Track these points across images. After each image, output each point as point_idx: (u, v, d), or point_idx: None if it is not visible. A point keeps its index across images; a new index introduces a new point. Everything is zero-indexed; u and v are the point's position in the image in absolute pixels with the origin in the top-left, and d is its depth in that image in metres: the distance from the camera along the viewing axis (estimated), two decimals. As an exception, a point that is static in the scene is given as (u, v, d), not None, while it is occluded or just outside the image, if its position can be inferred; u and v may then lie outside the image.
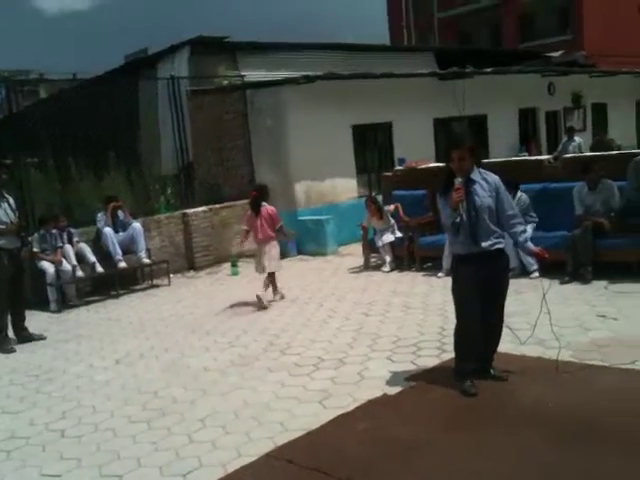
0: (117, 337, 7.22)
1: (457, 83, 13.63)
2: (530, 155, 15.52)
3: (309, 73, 12.52)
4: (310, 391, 4.98)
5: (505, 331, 5.49)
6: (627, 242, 7.25)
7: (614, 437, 3.76)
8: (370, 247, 9.62)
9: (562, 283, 7.42)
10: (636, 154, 7.60)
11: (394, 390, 4.82)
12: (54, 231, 9.07)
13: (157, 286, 9.94)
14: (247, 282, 9.60)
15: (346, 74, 12.06)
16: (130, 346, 6.77)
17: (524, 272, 7.88)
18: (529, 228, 7.85)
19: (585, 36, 24.14)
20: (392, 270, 9.19)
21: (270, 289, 8.15)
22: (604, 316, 6.06)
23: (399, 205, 9.61)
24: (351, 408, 4.56)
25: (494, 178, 4.70)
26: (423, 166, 10.01)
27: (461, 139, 4.72)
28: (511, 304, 6.66)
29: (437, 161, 12.77)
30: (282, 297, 8.23)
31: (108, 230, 9.46)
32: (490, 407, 4.41)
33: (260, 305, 7.78)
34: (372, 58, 15.80)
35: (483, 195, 4.60)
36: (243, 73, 13.90)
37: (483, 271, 4.57)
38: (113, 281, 9.48)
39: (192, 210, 10.99)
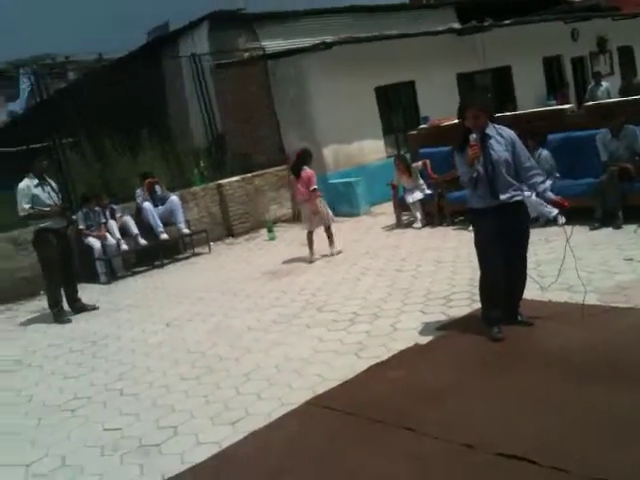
0: (164, 304, 7.65)
1: (477, 37, 13.57)
2: (559, 104, 15.44)
3: (328, 38, 12.64)
4: (346, 344, 5.30)
5: (535, 278, 5.75)
6: (652, 186, 7.35)
7: (633, 373, 3.99)
8: (401, 205, 9.85)
9: (592, 229, 7.57)
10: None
11: (426, 340, 5.11)
12: (97, 208, 9.53)
13: (199, 254, 10.36)
14: (284, 246, 9.98)
15: (363, 37, 12.14)
16: (177, 312, 7.19)
17: (552, 221, 8.04)
18: (548, 184, 8.04)
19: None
20: (424, 226, 9.42)
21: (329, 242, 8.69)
22: (631, 259, 6.22)
23: (427, 162, 9.78)
24: (384, 358, 4.88)
25: (509, 132, 4.89)
26: (447, 123, 10.11)
27: (472, 99, 4.90)
28: (540, 252, 6.95)
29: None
30: (339, 252, 8.65)
31: (147, 205, 9.87)
32: (516, 351, 4.67)
33: (312, 257, 8.48)
34: (391, 18, 15.76)
35: (499, 149, 4.79)
36: (263, 43, 14.00)
37: (503, 223, 4.78)
38: (157, 252, 9.92)
39: (226, 180, 11.33)
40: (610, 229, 7.45)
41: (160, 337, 6.39)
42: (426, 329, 5.33)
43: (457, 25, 16.63)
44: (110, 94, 14.47)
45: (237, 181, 11.40)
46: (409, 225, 9.71)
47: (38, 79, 11.67)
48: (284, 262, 8.77)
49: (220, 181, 11.29)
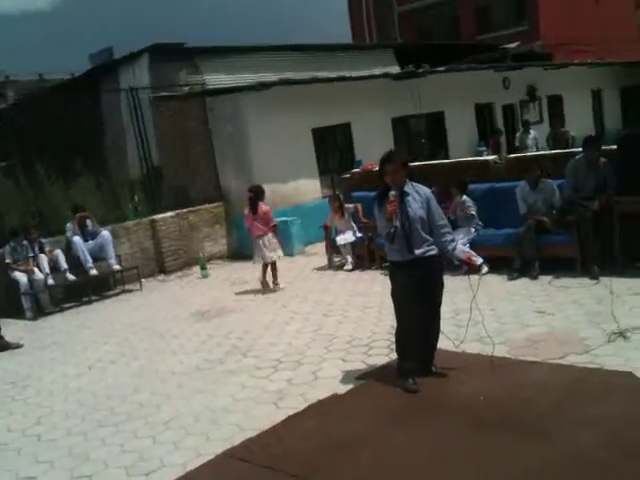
0: (89, 344, 7.57)
1: (412, 82, 14.06)
2: (491, 150, 16.07)
3: (270, 75, 12.94)
4: (267, 392, 5.39)
5: (451, 329, 6.00)
6: (566, 238, 7.75)
7: (534, 426, 4.23)
8: (333, 247, 10.04)
9: (510, 279, 7.91)
10: (575, 153, 8.08)
11: (344, 389, 5.25)
12: (24, 242, 9.37)
13: (129, 291, 10.28)
14: (216, 284, 10.02)
15: (300, 79, 12.42)
16: (102, 352, 7.14)
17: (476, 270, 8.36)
18: (470, 234, 8.42)
19: (541, 26, 24.62)
20: (354, 269, 9.62)
21: (270, 277, 9.07)
22: (543, 312, 6.55)
23: (359, 206, 10.03)
24: (302, 408, 4.99)
25: (425, 190, 5.15)
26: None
27: (393, 155, 5.13)
28: (459, 301, 7.20)
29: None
30: (280, 288, 9.02)
31: (77, 239, 9.78)
32: (429, 402, 4.85)
33: (266, 288, 8.96)
34: (334, 58, 16.22)
35: (415, 207, 5.04)
36: (205, 77, 14.18)
37: (418, 276, 5.01)
38: (86, 288, 9.79)
39: (160, 216, 11.33)
40: (527, 279, 7.80)
41: (82, 380, 6.34)
42: (346, 378, 5.47)
43: (396, 68, 17.22)
44: (47, 120, 14.37)
45: (171, 217, 11.42)
46: (340, 267, 9.91)
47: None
48: (215, 301, 8.81)
49: (154, 216, 11.28)
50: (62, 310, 9.50)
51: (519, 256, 7.96)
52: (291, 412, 4.93)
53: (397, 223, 4.98)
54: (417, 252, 5.02)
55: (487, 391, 4.84)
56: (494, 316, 6.61)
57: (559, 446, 3.93)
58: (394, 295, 5.16)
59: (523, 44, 23.37)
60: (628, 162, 7.50)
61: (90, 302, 9.69)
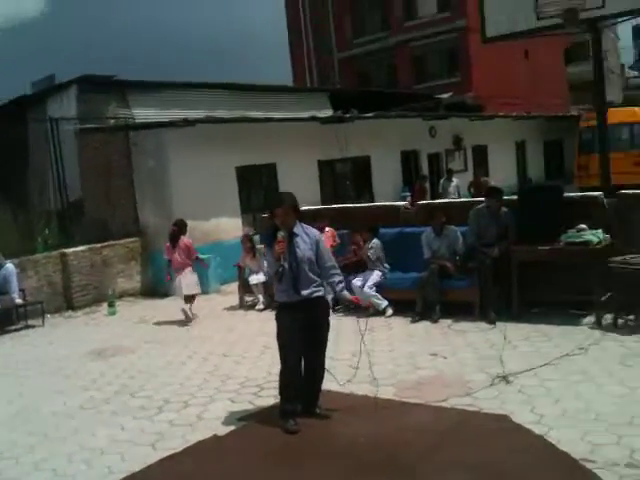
0: (-23, 382, 7.22)
1: (340, 126, 14.32)
2: (415, 195, 16.41)
3: (200, 112, 12.92)
4: (146, 434, 5.23)
5: (342, 369, 5.98)
6: (467, 283, 7.91)
7: (411, 469, 4.22)
8: (245, 286, 9.97)
9: (412, 322, 8.00)
10: (478, 202, 8.31)
11: (226, 430, 5.16)
12: None
13: (32, 326, 9.91)
14: (122, 322, 9.79)
15: (225, 117, 12.51)
16: (-13, 391, 6.82)
17: (380, 312, 8.44)
18: (377, 277, 8.51)
19: (473, 78, 25.62)
20: (265, 308, 9.55)
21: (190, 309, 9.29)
22: (435, 355, 6.62)
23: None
24: (180, 449, 4.86)
25: (314, 232, 5.19)
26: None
27: (283, 198, 5.16)
28: (357, 343, 7.23)
29: (322, 203, 13.41)
30: (193, 320, 9.24)
31: (-23, 272, 9.43)
32: (309, 443, 4.80)
33: (187, 318, 9.15)
34: (267, 98, 16.40)
35: (304, 248, 5.06)
36: (134, 111, 14.10)
37: (303, 318, 5.01)
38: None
39: (71, 250, 11.03)
40: (428, 322, 7.90)
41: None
42: (229, 419, 5.38)
43: (330, 111, 17.51)
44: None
45: (83, 251, 11.13)
46: (252, 307, 9.83)
47: None
48: (116, 340, 8.58)
49: (65, 250, 10.97)
50: (-43, 344, 9.07)
51: (422, 299, 8.07)
52: (167, 454, 4.80)
53: (285, 263, 4.99)
54: (304, 293, 5.03)
55: (369, 433, 4.85)
56: (390, 358, 6.65)
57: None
58: (278, 336, 5.13)
59: (456, 94, 24.22)
60: (526, 214, 7.76)
61: (-12, 338, 9.30)
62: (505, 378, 5.67)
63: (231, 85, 16.35)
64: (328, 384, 5.57)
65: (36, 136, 14.57)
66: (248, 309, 9.83)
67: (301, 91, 20.27)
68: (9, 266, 9.72)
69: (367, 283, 8.49)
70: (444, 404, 5.26)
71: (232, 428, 5.19)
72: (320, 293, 5.13)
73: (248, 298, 10.08)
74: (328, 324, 5.26)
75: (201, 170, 11.81)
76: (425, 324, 7.86)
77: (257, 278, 9.73)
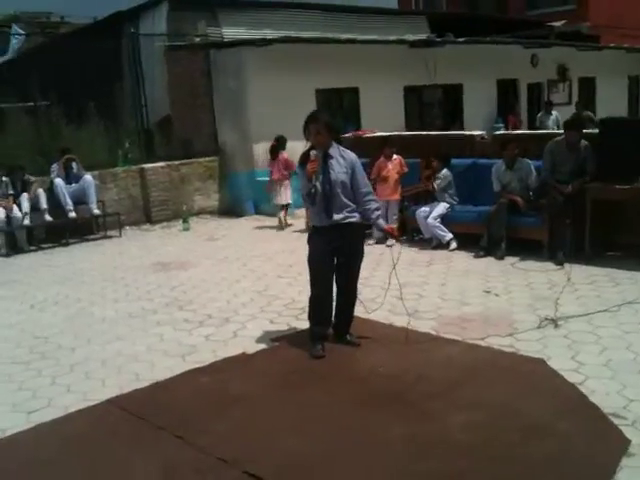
0: (43, 284, 7.62)
1: (430, 51, 13.62)
2: (510, 127, 15.56)
3: (291, 33, 12.63)
4: (182, 346, 5.33)
5: (391, 300, 5.77)
6: (537, 221, 7.44)
7: (414, 404, 4.08)
8: (311, 210, 9.85)
9: (476, 257, 7.67)
10: (556, 135, 7.71)
11: (256, 348, 5.18)
12: (4, 178, 9.46)
13: (110, 237, 10.33)
14: (194, 238, 9.99)
15: (305, 37, 12.15)
16: (50, 293, 7.18)
17: (444, 245, 8.16)
18: (443, 208, 8.15)
19: (590, 6, 23.56)
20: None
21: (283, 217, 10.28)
22: (489, 292, 6.32)
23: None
24: (207, 363, 4.93)
25: (351, 156, 4.95)
26: (368, 135, 10.16)
27: (317, 115, 4.93)
28: (413, 274, 7.04)
29: (407, 130, 12.94)
30: (284, 227, 10.28)
31: (58, 181, 9.83)
32: (329, 369, 4.71)
33: (280, 225, 10.29)
34: (358, 20, 15.81)
35: (339, 170, 4.85)
36: (223, 30, 13.98)
37: (335, 242, 4.86)
38: (64, 230, 9.86)
39: (150, 165, 11.29)
40: (492, 259, 7.54)
41: (19, 317, 6.38)
42: (263, 338, 5.39)
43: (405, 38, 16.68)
44: (70, 62, 14.49)
45: (162, 167, 11.36)
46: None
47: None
48: (182, 254, 8.79)
49: (144, 165, 11.24)
50: (39, 250, 9.59)
51: (487, 234, 7.69)
52: (195, 366, 4.88)
53: (318, 184, 4.82)
54: (336, 217, 4.86)
55: (391, 363, 4.71)
56: (440, 291, 6.43)
57: (431, 425, 3.79)
58: (310, 259, 5.02)
59: (570, 24, 22.43)
60: (607, 149, 7.11)
61: (67, 244, 9.76)
62: (555, 321, 5.33)
63: (326, 6, 15.84)
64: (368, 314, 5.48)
65: (128, 53, 14.85)
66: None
67: (398, 14, 19.40)
68: (87, 177, 10.07)
69: (432, 214, 8.18)
70: (481, 342, 5.02)
71: (262, 347, 5.21)
72: (354, 219, 4.94)
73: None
74: (362, 251, 5.09)
75: (280, 92, 11.61)
76: (488, 260, 7.51)
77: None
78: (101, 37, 15.09)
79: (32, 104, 12.77)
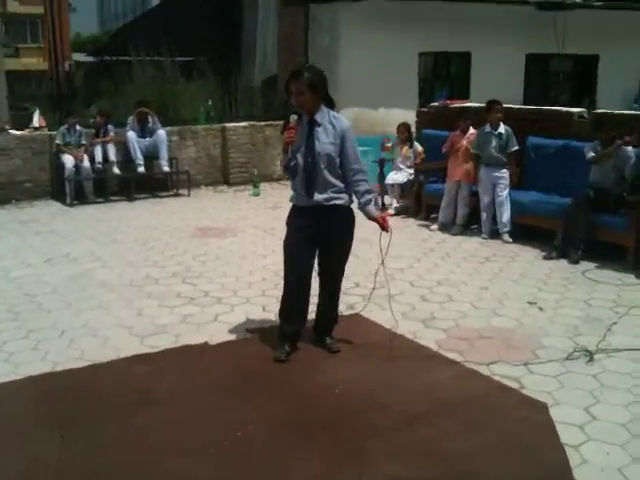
0: (79, 238, 7.41)
1: (560, 14, 11.96)
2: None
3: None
4: (151, 325, 4.81)
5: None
6: (624, 222, 6.11)
7: (344, 442, 3.26)
8: (381, 186, 8.93)
9: (546, 258, 6.46)
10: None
11: (224, 338, 4.55)
12: (78, 128, 9.40)
13: (179, 195, 10.05)
14: (257, 204, 9.46)
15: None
16: (75, 248, 6.93)
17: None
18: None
19: None
20: (396, 214, 8.51)
21: None
22: (534, 303, 5.21)
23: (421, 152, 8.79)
24: (160, 349, 4.37)
25: (343, 124, 4.08)
26: (456, 105, 8.99)
27: (301, 71, 4.04)
28: (459, 270, 6.06)
29: (526, 103, 11.50)
30: None
31: (131, 134, 9.63)
32: (280, 378, 3.98)
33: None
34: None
35: (324, 141, 4.01)
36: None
37: (317, 227, 4.06)
38: (134, 184, 9.69)
39: (232, 124, 10.84)
40: (564, 262, 6.31)
41: (24, 272, 6.15)
42: (240, 327, 4.75)
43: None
44: (189, 18, 14.47)
45: (244, 127, 10.86)
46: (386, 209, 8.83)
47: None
48: (232, 221, 8.28)
49: (225, 124, 10.81)
50: (104, 202, 9.48)
51: (562, 232, 6.44)
52: (147, 351, 4.34)
53: (299, 157, 4.03)
54: (317, 197, 4.05)
55: (354, 384, 3.87)
56: (475, 296, 5.42)
57: (347, 472, 2.98)
58: (285, 243, 4.24)
59: None
60: None
61: (131, 199, 9.57)
62: (591, 354, 4.20)
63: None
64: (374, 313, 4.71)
65: (249, 5, 14.55)
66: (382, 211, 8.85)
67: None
68: (161, 132, 9.80)
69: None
70: (484, 369, 4.03)
71: (232, 338, 4.56)
72: (341, 201, 4.09)
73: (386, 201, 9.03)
74: (350, 240, 4.24)
75: (377, 53, 10.69)
76: (558, 263, 6.29)
77: (394, 178, 8.66)
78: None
79: (154, 58, 12.81)
